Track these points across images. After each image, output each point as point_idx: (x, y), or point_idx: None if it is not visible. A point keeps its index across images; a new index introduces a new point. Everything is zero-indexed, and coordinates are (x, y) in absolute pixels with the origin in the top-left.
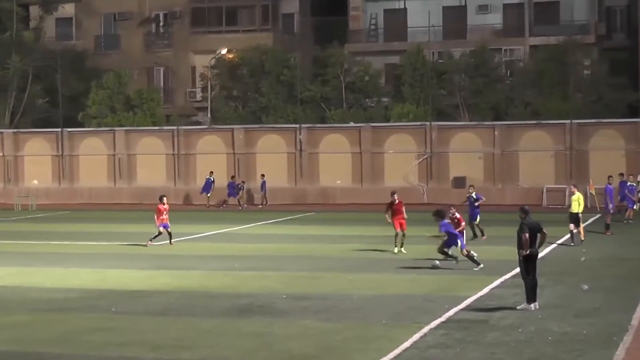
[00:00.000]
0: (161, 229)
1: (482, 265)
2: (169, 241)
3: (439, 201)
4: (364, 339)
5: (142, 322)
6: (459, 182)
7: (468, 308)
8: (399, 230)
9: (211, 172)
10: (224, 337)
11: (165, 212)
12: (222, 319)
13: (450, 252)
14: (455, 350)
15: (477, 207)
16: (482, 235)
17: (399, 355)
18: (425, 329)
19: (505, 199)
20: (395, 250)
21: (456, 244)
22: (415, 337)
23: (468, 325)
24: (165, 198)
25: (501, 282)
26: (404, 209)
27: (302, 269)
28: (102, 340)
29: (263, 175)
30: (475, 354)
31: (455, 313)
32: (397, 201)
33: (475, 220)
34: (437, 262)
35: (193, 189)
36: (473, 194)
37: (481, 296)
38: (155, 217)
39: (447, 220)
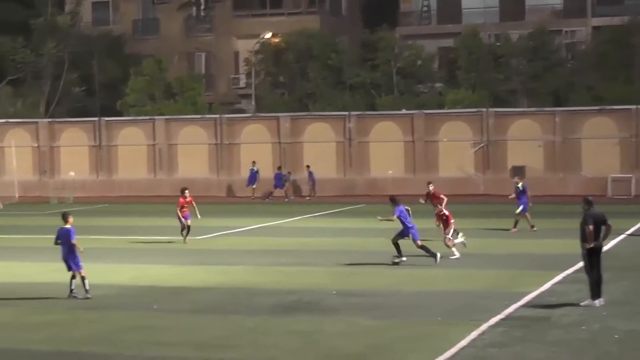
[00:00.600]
0: (188, 221)
1: (439, 256)
2: (182, 237)
3: (496, 192)
4: (417, 337)
5: (183, 320)
6: (518, 171)
7: (528, 305)
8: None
9: (254, 162)
10: (270, 335)
11: (186, 205)
12: (267, 317)
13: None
14: (515, 349)
15: (523, 198)
16: (514, 227)
17: (455, 354)
18: (483, 327)
19: (567, 189)
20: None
21: (408, 236)
22: (473, 335)
23: (528, 323)
24: (187, 191)
25: (563, 278)
26: (442, 199)
27: (351, 263)
28: (142, 339)
29: (308, 167)
30: (536, 353)
31: (515, 310)
32: (432, 192)
33: (525, 210)
34: (404, 258)
35: (237, 181)
36: (519, 185)
37: (542, 292)
38: (178, 210)
39: (403, 207)
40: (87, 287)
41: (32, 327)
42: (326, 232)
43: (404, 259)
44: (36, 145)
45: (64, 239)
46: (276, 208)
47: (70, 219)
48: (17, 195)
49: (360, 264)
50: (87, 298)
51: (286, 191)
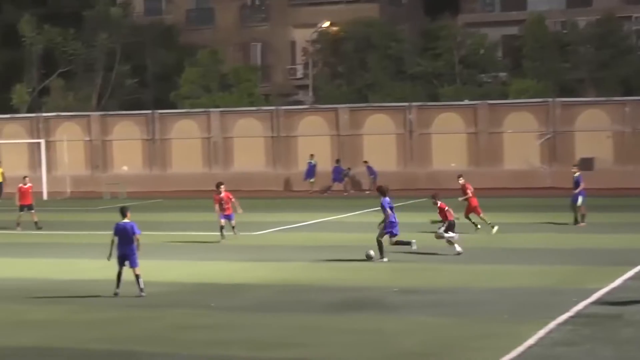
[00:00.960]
0: (232, 222)
1: (386, 259)
2: (220, 234)
3: (563, 185)
4: (483, 335)
5: (240, 318)
6: (587, 163)
7: (599, 301)
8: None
9: (312, 155)
10: (330, 334)
11: (224, 202)
12: (326, 315)
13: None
14: (585, 347)
15: (580, 189)
16: (582, 221)
17: (522, 353)
18: (552, 325)
19: (638, 181)
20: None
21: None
22: (541, 333)
23: (599, 321)
24: (222, 186)
25: (635, 273)
26: (469, 192)
27: (412, 259)
28: (199, 337)
29: (366, 162)
30: (606, 351)
31: (585, 307)
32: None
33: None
34: (385, 258)
35: (294, 174)
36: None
37: (613, 288)
38: (217, 207)
39: (388, 199)
40: (142, 286)
41: (87, 326)
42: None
43: (385, 259)
44: (88, 139)
45: (123, 234)
46: (335, 202)
47: (129, 214)
48: (68, 190)
49: (422, 260)
50: (141, 296)
51: (345, 185)
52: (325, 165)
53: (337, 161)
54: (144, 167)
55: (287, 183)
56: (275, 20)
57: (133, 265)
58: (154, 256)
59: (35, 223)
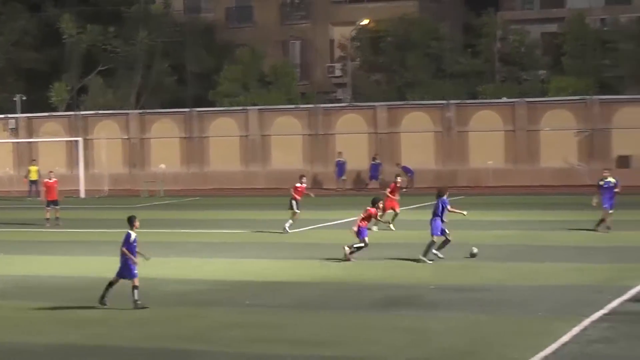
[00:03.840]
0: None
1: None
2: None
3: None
4: (519, 333)
5: (281, 316)
6: (624, 161)
7: (634, 299)
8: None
9: (339, 153)
10: (371, 331)
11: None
12: (368, 313)
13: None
14: (621, 345)
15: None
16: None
17: (557, 350)
18: (587, 322)
19: None
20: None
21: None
22: (575, 330)
23: (635, 318)
24: (304, 178)
25: None
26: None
27: (451, 257)
28: (241, 335)
29: (398, 164)
30: None
31: (620, 304)
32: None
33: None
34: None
35: (332, 172)
36: (611, 179)
37: None
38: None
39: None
40: (136, 297)
41: (128, 324)
42: (424, 225)
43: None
44: (126, 137)
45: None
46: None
47: (137, 223)
48: (107, 188)
49: (462, 259)
50: (144, 307)
51: (380, 182)
52: (363, 163)
53: (374, 158)
54: (182, 165)
55: (324, 181)
56: (314, 18)
57: (130, 276)
58: (194, 254)
59: (56, 219)
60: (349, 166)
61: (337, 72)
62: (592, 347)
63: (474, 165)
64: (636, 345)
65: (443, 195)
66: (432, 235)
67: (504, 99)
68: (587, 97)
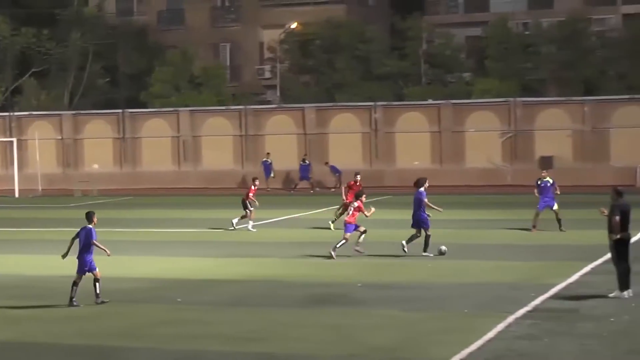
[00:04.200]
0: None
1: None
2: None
3: (524, 182)
4: (445, 330)
5: (212, 313)
6: (547, 162)
7: (557, 296)
8: None
9: (268, 154)
10: (299, 328)
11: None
12: (296, 310)
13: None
14: (544, 341)
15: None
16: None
17: (482, 346)
18: (511, 319)
19: (596, 179)
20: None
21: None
22: (500, 327)
23: (557, 315)
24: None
25: (592, 269)
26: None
27: (379, 255)
28: (172, 332)
29: (327, 163)
30: (565, 345)
31: (543, 302)
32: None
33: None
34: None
35: (262, 172)
36: (548, 179)
37: (570, 283)
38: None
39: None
40: (98, 291)
41: (61, 321)
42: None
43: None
44: (60, 137)
45: (84, 238)
46: (302, 200)
47: (95, 219)
48: (40, 188)
49: (388, 256)
50: (103, 302)
51: (311, 183)
52: (293, 163)
53: (304, 159)
54: (115, 165)
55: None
56: (244, 21)
57: (90, 270)
58: (126, 252)
59: None
60: (279, 167)
61: (267, 74)
62: (517, 343)
63: (401, 165)
64: (558, 342)
65: (421, 187)
66: (426, 229)
67: (430, 101)
68: (511, 99)
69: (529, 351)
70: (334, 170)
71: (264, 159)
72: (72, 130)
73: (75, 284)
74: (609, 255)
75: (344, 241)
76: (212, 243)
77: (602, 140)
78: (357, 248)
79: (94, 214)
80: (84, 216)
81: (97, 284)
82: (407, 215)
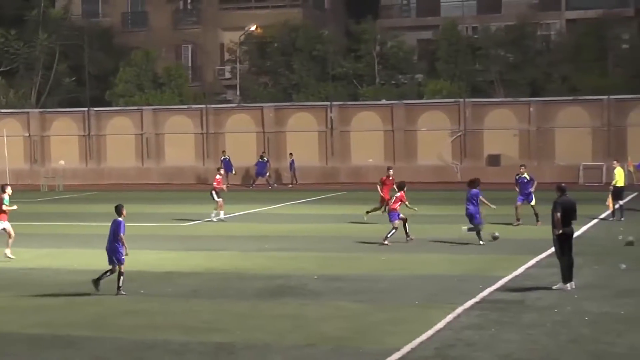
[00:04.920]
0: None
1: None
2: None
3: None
4: (396, 320)
5: (172, 304)
6: (494, 160)
7: (503, 288)
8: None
9: (223, 152)
10: (256, 319)
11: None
12: (254, 301)
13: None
14: (490, 331)
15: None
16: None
17: (432, 336)
18: (459, 310)
19: (541, 176)
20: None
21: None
22: (449, 318)
23: (503, 306)
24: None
25: (537, 262)
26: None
27: (334, 249)
28: (133, 323)
29: (291, 155)
30: (511, 335)
31: (490, 293)
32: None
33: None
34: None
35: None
36: (526, 175)
37: (516, 276)
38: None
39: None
40: (121, 284)
41: (27, 311)
42: (310, 218)
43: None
44: (27, 134)
45: (112, 230)
46: (260, 195)
47: (124, 212)
48: (8, 183)
49: (344, 250)
50: (122, 295)
51: (267, 179)
52: (252, 160)
53: (261, 157)
54: (81, 161)
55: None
56: (206, 24)
57: (118, 262)
58: (90, 245)
59: None
60: (239, 164)
61: (227, 75)
62: (464, 333)
63: (356, 162)
64: (504, 331)
65: (476, 187)
66: (478, 224)
67: (384, 101)
68: (460, 99)
69: (476, 341)
70: (291, 166)
71: (222, 157)
72: (39, 127)
73: (120, 273)
74: (553, 249)
75: (394, 230)
76: (173, 237)
77: (546, 139)
78: (386, 242)
79: (122, 206)
80: (48, 210)
81: (121, 277)
82: (361, 210)
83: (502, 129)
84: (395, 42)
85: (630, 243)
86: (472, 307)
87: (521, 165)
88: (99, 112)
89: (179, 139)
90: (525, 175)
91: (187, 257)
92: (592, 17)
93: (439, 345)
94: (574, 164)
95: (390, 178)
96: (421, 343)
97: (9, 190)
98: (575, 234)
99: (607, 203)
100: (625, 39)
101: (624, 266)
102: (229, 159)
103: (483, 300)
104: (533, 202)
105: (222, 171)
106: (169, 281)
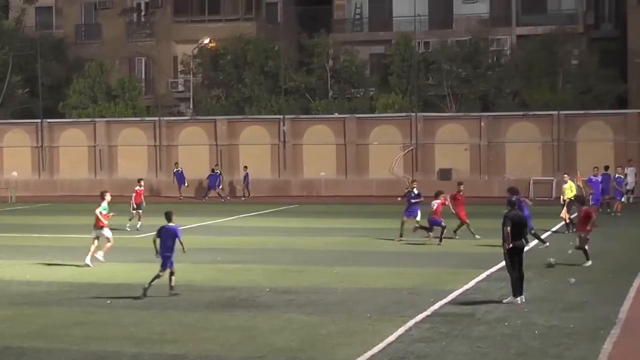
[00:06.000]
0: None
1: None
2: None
3: (424, 194)
4: (348, 333)
5: (124, 315)
6: (445, 174)
7: (454, 302)
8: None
9: (176, 164)
10: (208, 330)
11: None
12: (205, 313)
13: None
14: (441, 344)
15: (415, 203)
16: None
17: (383, 349)
18: (411, 323)
19: (492, 191)
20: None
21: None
22: (400, 330)
23: (454, 319)
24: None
25: (487, 276)
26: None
27: (286, 262)
28: (83, 334)
29: (246, 168)
30: (461, 348)
31: (441, 307)
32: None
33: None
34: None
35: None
36: (414, 190)
37: (467, 289)
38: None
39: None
40: (173, 284)
41: None
42: (262, 231)
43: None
44: None
45: (165, 236)
46: (213, 208)
47: (174, 218)
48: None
49: (296, 263)
50: (176, 294)
51: (219, 192)
52: (205, 173)
53: (213, 170)
54: (33, 172)
55: (169, 189)
56: (159, 36)
57: (170, 266)
58: (42, 257)
59: None
60: (192, 176)
61: (180, 87)
62: (415, 345)
63: (308, 175)
64: (454, 344)
65: (518, 194)
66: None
67: (336, 115)
68: (412, 113)
69: (426, 353)
70: (245, 179)
71: (175, 169)
72: None
73: (171, 273)
74: (503, 263)
75: (444, 231)
76: (124, 249)
77: (497, 153)
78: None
79: (172, 213)
80: (1, 222)
81: (173, 277)
82: (312, 224)
83: (453, 143)
84: (348, 56)
85: (550, 265)
86: (423, 320)
87: (412, 181)
88: (52, 124)
89: (132, 151)
90: (414, 190)
91: (138, 268)
92: (543, 33)
93: (390, 357)
94: (524, 179)
95: (461, 194)
96: (372, 355)
97: (107, 197)
98: (526, 248)
99: (561, 215)
100: (575, 55)
101: (572, 280)
102: (181, 171)
103: (434, 313)
104: (418, 217)
105: (142, 182)
106: (121, 292)
